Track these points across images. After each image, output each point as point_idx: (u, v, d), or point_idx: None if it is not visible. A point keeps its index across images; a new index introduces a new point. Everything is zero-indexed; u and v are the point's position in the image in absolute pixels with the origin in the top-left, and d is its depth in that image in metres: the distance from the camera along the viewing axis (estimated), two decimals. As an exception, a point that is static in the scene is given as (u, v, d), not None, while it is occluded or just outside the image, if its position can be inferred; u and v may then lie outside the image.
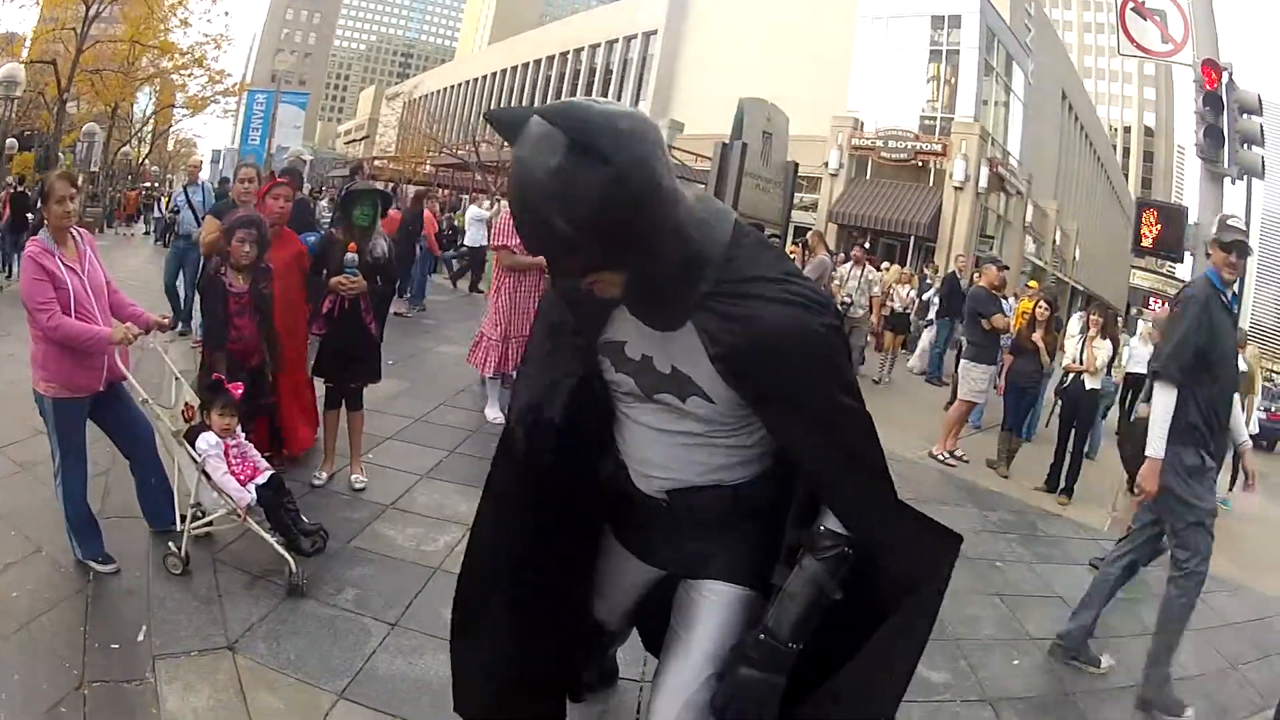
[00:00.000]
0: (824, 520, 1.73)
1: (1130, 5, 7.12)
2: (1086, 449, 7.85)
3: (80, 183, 3.53)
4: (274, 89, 24.94)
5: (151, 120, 30.18)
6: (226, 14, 25.62)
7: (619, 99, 41.38)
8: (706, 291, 1.55)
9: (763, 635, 1.69)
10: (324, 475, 4.52)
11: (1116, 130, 77.10)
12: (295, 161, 8.27)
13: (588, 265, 1.45)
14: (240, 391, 3.58)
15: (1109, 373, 8.21)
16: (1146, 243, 7.09)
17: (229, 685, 2.77)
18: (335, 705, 2.73)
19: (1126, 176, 53.59)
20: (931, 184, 26.74)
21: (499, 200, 17.03)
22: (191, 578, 3.40)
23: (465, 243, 14.30)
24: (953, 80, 27.66)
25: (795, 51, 30.47)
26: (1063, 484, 7.11)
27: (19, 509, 3.93)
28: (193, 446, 3.39)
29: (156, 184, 35.75)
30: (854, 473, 1.71)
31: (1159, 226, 6.91)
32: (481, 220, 13.03)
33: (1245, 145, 6.85)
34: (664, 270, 1.50)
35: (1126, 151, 74.17)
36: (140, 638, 3.04)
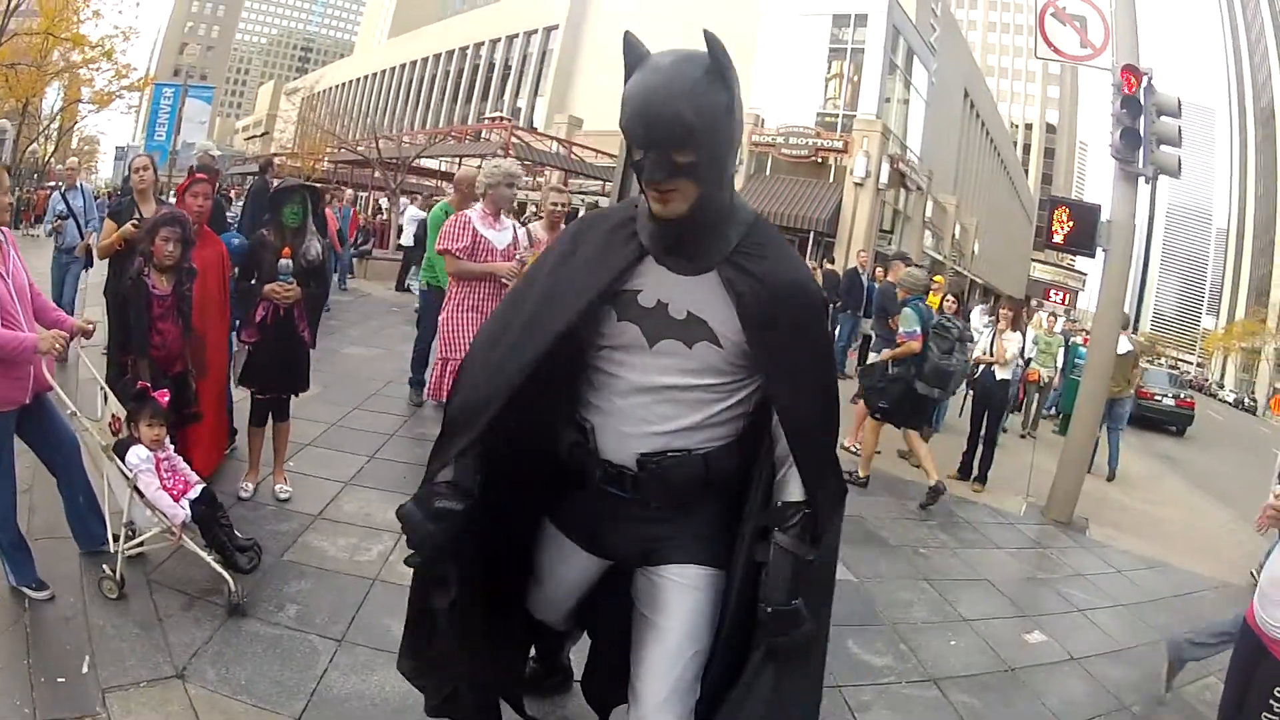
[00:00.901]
0: (781, 494, 1.86)
1: (1050, 10, 7.36)
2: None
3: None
4: (180, 83, 23.82)
5: (59, 117, 28.67)
6: (138, 4, 24.39)
7: (517, 94, 41.41)
8: (735, 248, 1.78)
9: (769, 609, 1.78)
10: (250, 487, 4.34)
11: (1018, 127, 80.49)
12: (205, 158, 7.70)
13: (689, 163, 1.63)
14: (167, 399, 3.39)
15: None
16: (1058, 238, 7.35)
17: (183, 716, 2.63)
18: (297, 726, 2.63)
19: (1027, 172, 56.04)
20: (832, 180, 27.32)
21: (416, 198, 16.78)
22: (128, 601, 3.20)
23: (401, 242, 14.92)
24: (856, 78, 28.34)
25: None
26: (976, 471, 7.39)
27: None
28: (123, 461, 3.19)
29: (61, 183, 33.91)
30: (826, 423, 1.92)
31: (1070, 223, 7.20)
32: (417, 220, 12.92)
33: (1160, 146, 7.12)
34: (719, 204, 1.74)
35: (1028, 148, 77.41)
36: (85, 669, 2.83)
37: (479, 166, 5.96)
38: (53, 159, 33.25)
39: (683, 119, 1.59)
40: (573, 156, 26.32)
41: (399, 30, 74.04)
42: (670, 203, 1.69)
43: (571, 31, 38.94)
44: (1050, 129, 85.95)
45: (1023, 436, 10.64)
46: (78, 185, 8.12)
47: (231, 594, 3.19)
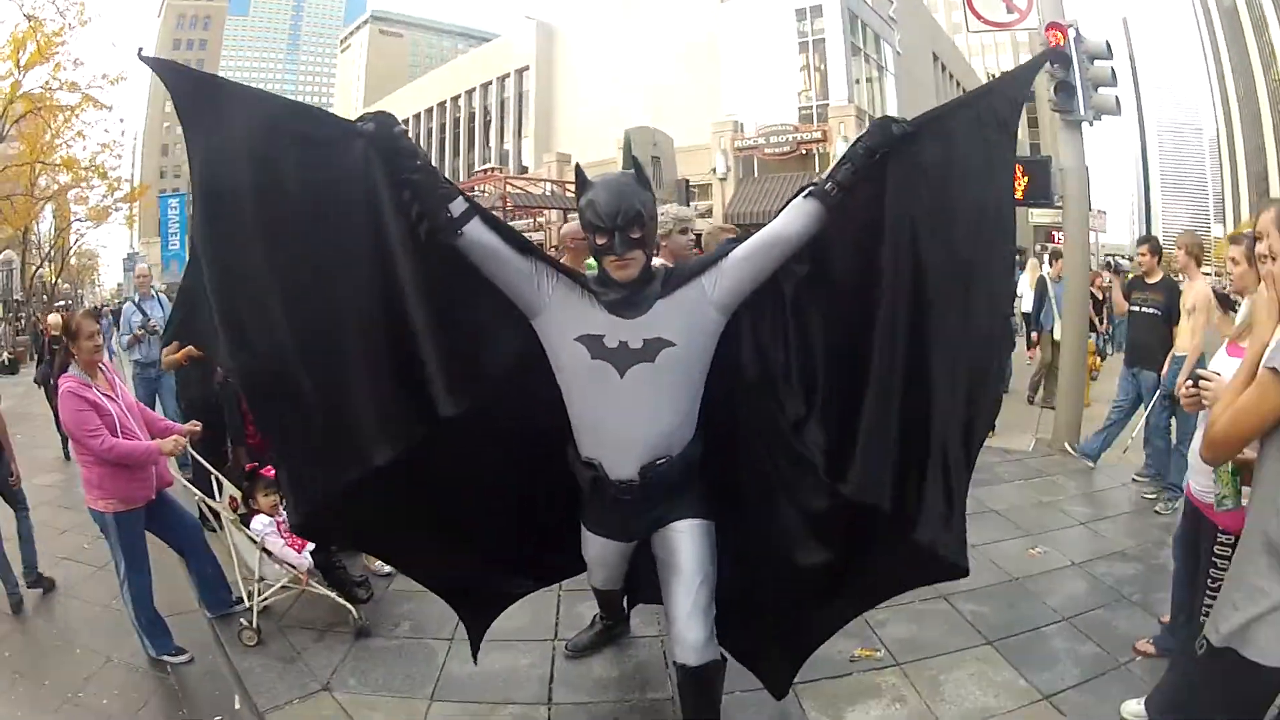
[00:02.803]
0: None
1: (974, -18, 7.81)
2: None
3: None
4: (184, 192, 24.87)
5: (59, 238, 29.70)
6: (122, 120, 25.43)
7: (502, 139, 42.08)
8: (659, 292, 2.52)
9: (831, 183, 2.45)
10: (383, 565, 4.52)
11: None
12: None
13: (640, 240, 2.45)
14: (274, 473, 4.11)
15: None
16: (1018, 195, 7.88)
17: (335, 716, 3.30)
18: (430, 708, 3.33)
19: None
20: (818, 170, 27.69)
21: None
22: (266, 645, 3.87)
23: None
24: (822, 67, 28.91)
25: (667, 64, 31.49)
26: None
27: (73, 629, 4.30)
28: (249, 528, 3.91)
29: (69, 301, 35.03)
30: None
31: (1026, 179, 7.78)
32: None
33: (1098, 89, 7.58)
34: (650, 266, 2.55)
35: None
36: (237, 705, 3.47)
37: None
38: (58, 280, 34.34)
39: (635, 208, 2.44)
40: (567, 193, 27.07)
41: (373, 97, 75.17)
42: (627, 269, 2.47)
43: (544, 70, 39.41)
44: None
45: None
46: (154, 295, 7.86)
47: (356, 620, 3.89)
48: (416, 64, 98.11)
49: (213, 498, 4.16)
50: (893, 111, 30.92)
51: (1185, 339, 5.65)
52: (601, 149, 29.46)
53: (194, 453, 4.08)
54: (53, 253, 30.16)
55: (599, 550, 2.95)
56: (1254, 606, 1.80)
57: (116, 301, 31.52)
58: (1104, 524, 5.49)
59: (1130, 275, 6.80)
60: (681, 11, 31.71)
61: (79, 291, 45.47)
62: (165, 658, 3.83)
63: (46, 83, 18.00)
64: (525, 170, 37.45)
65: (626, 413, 2.53)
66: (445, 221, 2.37)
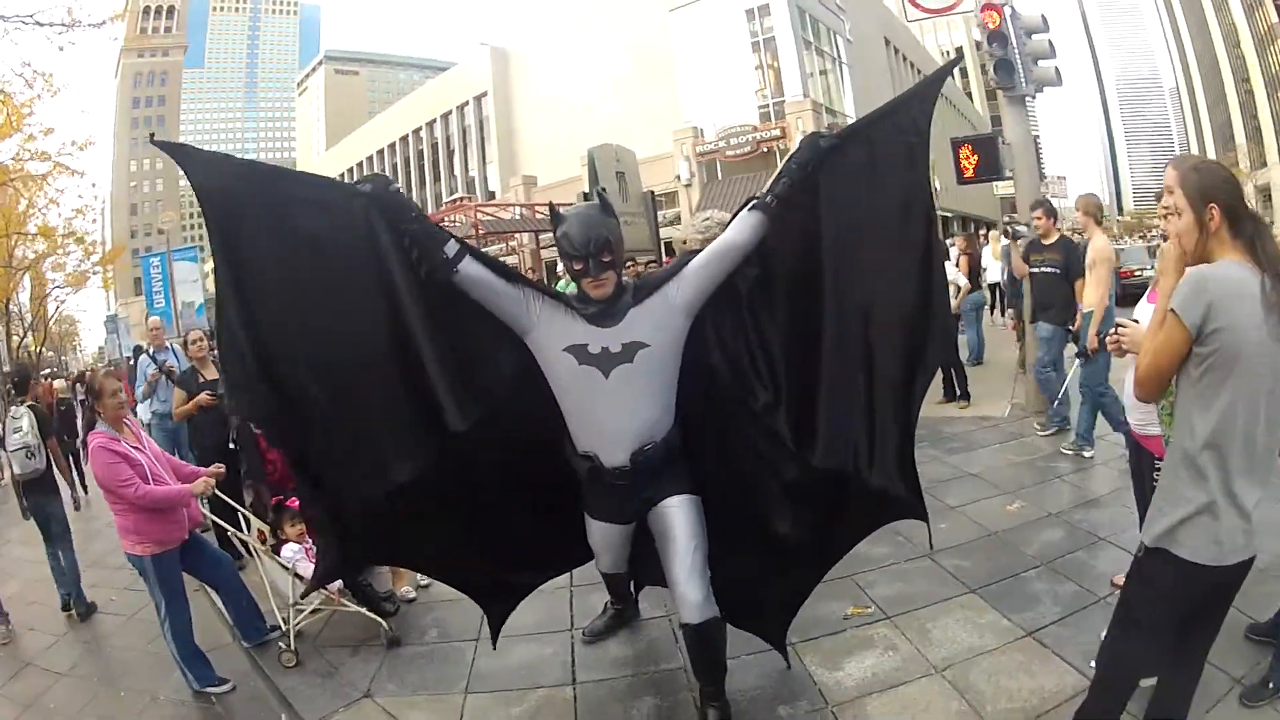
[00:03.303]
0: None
1: (910, -29, 8.07)
2: (971, 357, 9.21)
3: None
4: (164, 250, 25.08)
5: (40, 306, 29.78)
6: (95, 185, 25.60)
7: (466, 166, 42.32)
8: (630, 303, 2.92)
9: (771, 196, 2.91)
10: (410, 590, 4.79)
11: (949, 54, 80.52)
12: None
13: (611, 263, 2.86)
14: (298, 504, 4.39)
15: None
16: (969, 174, 8.20)
17: (380, 718, 3.58)
18: (465, 700, 3.63)
19: (971, 96, 56.61)
20: (780, 166, 28.37)
21: None
22: (305, 665, 4.11)
23: None
24: (776, 65, 29.51)
25: (623, 77, 31.96)
26: (959, 391, 8.28)
27: (114, 674, 4.51)
28: (280, 557, 4.20)
29: (54, 369, 35.08)
30: None
31: (975, 156, 8.10)
32: None
33: (1038, 62, 7.90)
34: (621, 283, 2.95)
35: (965, 71, 77.49)
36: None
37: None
38: (42, 348, 34.33)
39: (603, 235, 2.88)
40: (537, 215, 27.43)
41: (335, 136, 75.31)
42: (602, 288, 2.89)
43: (502, 94, 39.82)
44: (980, 46, 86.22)
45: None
46: (167, 345, 7.94)
47: (387, 632, 4.18)
48: (375, 99, 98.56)
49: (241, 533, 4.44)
50: (849, 100, 31.56)
51: (1090, 293, 6.01)
52: (566, 168, 29.83)
53: (220, 493, 4.34)
54: (34, 322, 30.22)
55: (602, 535, 3.34)
56: (1179, 511, 2.11)
57: (108, 363, 31.55)
58: (1078, 475, 5.82)
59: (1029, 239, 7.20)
60: (632, 24, 32.21)
61: (62, 358, 45.39)
62: (209, 689, 4.04)
63: (17, 154, 18.10)
64: (492, 195, 37.74)
65: (614, 408, 2.93)
66: (442, 262, 2.79)
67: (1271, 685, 2.91)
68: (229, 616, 4.50)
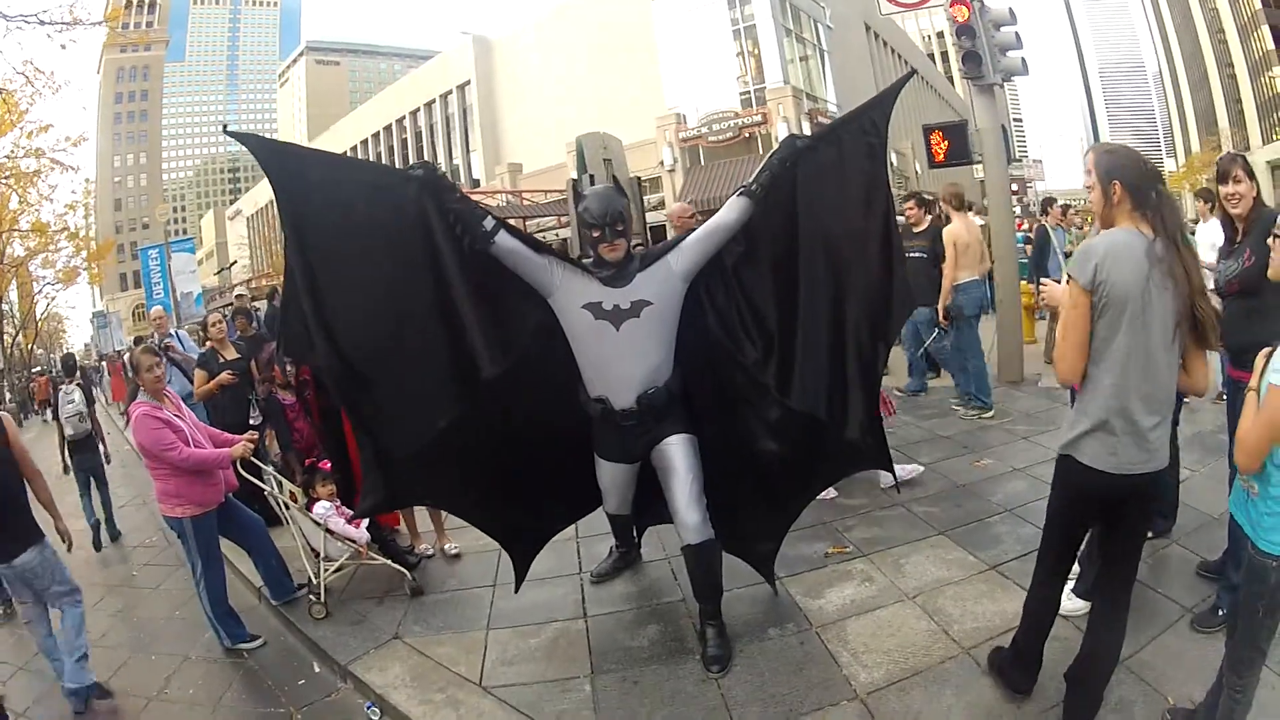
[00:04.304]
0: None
1: (882, -35, 8.46)
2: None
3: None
4: (162, 243, 25.19)
5: (30, 303, 29.79)
6: (88, 180, 25.58)
7: (450, 154, 42.28)
8: (640, 265, 3.44)
9: (756, 185, 3.45)
10: (428, 548, 5.17)
11: (929, 38, 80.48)
12: (241, 302, 9.12)
13: (623, 232, 3.39)
14: (329, 465, 4.76)
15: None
16: (940, 158, 8.57)
17: (409, 655, 3.94)
18: (488, 635, 4.02)
19: (952, 80, 56.82)
20: (762, 152, 28.57)
21: None
22: (334, 616, 4.43)
23: None
24: (757, 52, 29.78)
25: (605, 64, 32.22)
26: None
27: (144, 641, 4.76)
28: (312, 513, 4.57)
29: (44, 366, 35.08)
30: None
31: (946, 142, 8.50)
32: None
33: (1006, 53, 8.26)
34: (631, 250, 3.46)
35: (945, 55, 77.33)
36: (316, 669, 4.08)
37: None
38: (33, 346, 34.27)
39: (618, 209, 3.45)
40: (524, 203, 27.73)
41: (316, 127, 74.82)
42: (615, 251, 3.42)
43: (484, 83, 39.81)
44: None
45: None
46: (171, 332, 8.54)
47: (411, 582, 4.57)
48: (356, 89, 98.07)
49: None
50: (830, 86, 31.84)
51: (947, 273, 6.94)
52: (550, 155, 29.95)
53: (253, 460, 4.66)
54: (24, 320, 30.24)
55: (611, 475, 3.81)
56: (1082, 425, 2.57)
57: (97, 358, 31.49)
58: (1044, 436, 6.20)
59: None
60: (613, 11, 32.36)
61: (51, 356, 45.26)
62: (241, 645, 4.37)
63: (11, 151, 18.22)
64: (477, 183, 37.72)
65: (624, 356, 3.41)
66: (481, 235, 3.29)
67: (1221, 613, 3.28)
68: (260, 575, 4.79)
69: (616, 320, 3.38)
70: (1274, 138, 48.97)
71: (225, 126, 3.25)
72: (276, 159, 3.09)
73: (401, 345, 3.36)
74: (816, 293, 3.44)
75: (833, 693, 3.21)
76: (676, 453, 3.53)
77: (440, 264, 3.33)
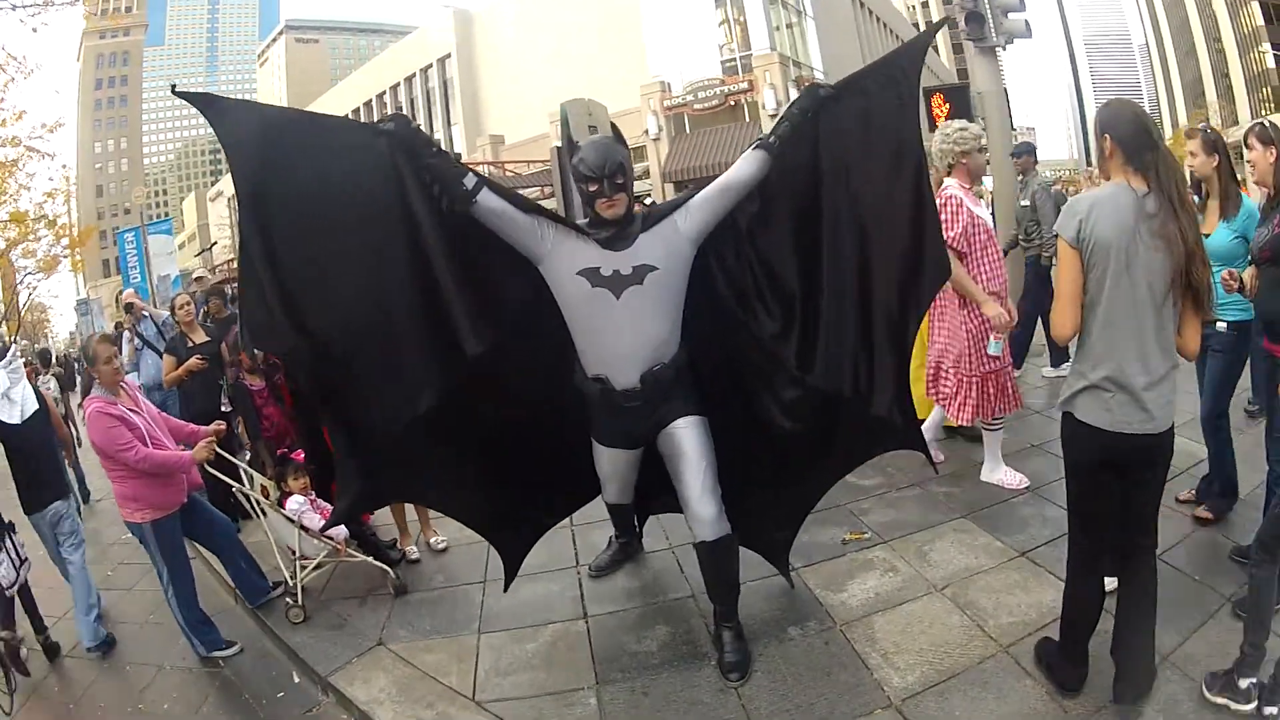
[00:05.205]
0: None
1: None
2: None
3: None
4: (138, 225, 24.48)
5: (13, 294, 29.21)
6: (65, 166, 24.94)
7: (431, 128, 41.63)
8: (642, 226, 3.04)
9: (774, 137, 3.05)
10: (414, 549, 4.70)
11: (915, 8, 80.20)
12: (202, 285, 8.68)
13: (624, 185, 2.98)
14: (302, 456, 4.40)
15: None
16: (940, 121, 8.35)
17: (395, 664, 3.60)
18: (480, 639, 3.68)
19: (938, 50, 56.54)
20: (748, 119, 28.31)
21: None
22: (312, 620, 4.09)
23: None
24: (742, 19, 29.20)
25: (588, 33, 31.60)
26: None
27: (118, 650, 4.37)
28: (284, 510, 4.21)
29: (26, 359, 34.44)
30: None
31: (948, 104, 8.25)
32: None
33: (1007, 14, 8.04)
34: (632, 208, 3.03)
35: (929, 24, 77.03)
36: (296, 679, 3.74)
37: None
38: (17, 337, 33.68)
39: (618, 160, 3.00)
40: (506, 174, 27.19)
41: (297, 105, 73.98)
42: (614, 207, 2.98)
43: (465, 56, 39.20)
44: (948, 2, 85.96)
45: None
46: (146, 316, 7.49)
47: (394, 581, 4.22)
48: (337, 66, 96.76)
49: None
50: (815, 53, 31.49)
51: None
52: (533, 126, 29.48)
53: (220, 450, 4.27)
54: (8, 311, 29.68)
55: (611, 462, 3.44)
56: (1078, 384, 2.58)
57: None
58: (1059, 411, 5.91)
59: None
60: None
61: (35, 346, 44.52)
62: (216, 653, 4.03)
63: (-12, 141, 17.65)
64: (459, 157, 37.05)
65: (625, 329, 3.01)
66: (462, 194, 2.88)
67: None
68: (229, 579, 4.47)
69: (616, 288, 2.98)
70: (1263, 111, 48.57)
71: (174, 87, 2.78)
72: (229, 117, 2.65)
73: (376, 324, 2.97)
74: (841, 256, 3.03)
75: (865, 700, 2.91)
76: (687, 437, 3.15)
77: (417, 230, 2.93)
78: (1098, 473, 2.61)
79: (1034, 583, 3.54)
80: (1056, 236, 2.56)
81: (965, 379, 4.51)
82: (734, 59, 29.38)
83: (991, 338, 4.37)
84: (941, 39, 77.42)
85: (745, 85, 28.14)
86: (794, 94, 27.00)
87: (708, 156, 27.39)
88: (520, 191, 3.10)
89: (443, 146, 3.12)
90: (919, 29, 65.99)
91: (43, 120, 26.19)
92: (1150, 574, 2.67)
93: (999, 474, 4.66)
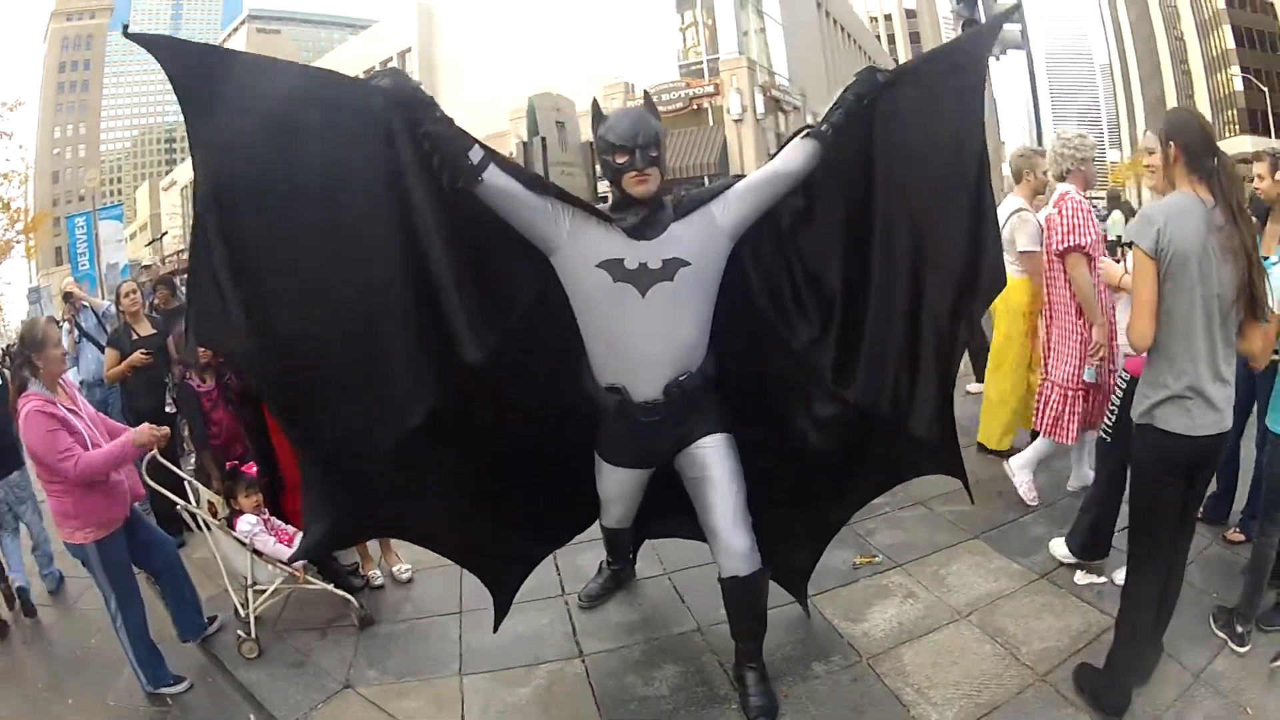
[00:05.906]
0: None
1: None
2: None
3: None
4: (89, 210, 23.15)
5: None
6: (22, 147, 23.68)
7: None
8: (671, 216, 2.66)
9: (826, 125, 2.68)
10: (377, 573, 4.30)
11: (878, 20, 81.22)
12: (151, 272, 8.06)
13: (657, 158, 2.61)
14: (255, 469, 3.96)
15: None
16: None
17: (366, 711, 3.15)
18: (462, 683, 3.27)
19: (897, 62, 57.24)
20: (712, 123, 28.11)
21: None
22: (269, 654, 3.64)
23: None
24: (710, 22, 29.00)
25: (551, 31, 31.08)
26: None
27: (58, 677, 3.94)
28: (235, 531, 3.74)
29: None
30: None
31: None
32: None
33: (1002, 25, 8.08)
34: (662, 187, 2.66)
35: (891, 38, 77.94)
36: None
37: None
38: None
39: (653, 129, 2.61)
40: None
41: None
42: (645, 183, 2.59)
43: (425, 51, 38.69)
44: (910, 14, 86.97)
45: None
46: (84, 306, 6.81)
47: (357, 610, 3.79)
48: (298, 59, 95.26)
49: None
50: (780, 58, 31.62)
51: None
52: (493, 123, 28.96)
53: (162, 459, 3.78)
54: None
55: (617, 484, 3.07)
56: (1156, 395, 2.55)
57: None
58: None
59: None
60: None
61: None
62: (163, 690, 3.56)
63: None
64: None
65: (650, 331, 2.64)
66: (467, 169, 2.44)
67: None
68: (169, 609, 3.92)
69: (642, 283, 2.59)
70: (1227, 134, 49.74)
71: (125, 27, 2.26)
72: (191, 64, 2.13)
73: (357, 324, 2.47)
74: (891, 258, 2.67)
75: (905, 742, 2.60)
76: (714, 459, 2.80)
77: (410, 210, 2.46)
78: (1176, 480, 2.61)
79: (1060, 606, 3.36)
80: (1130, 245, 2.52)
81: (1070, 393, 4.22)
82: (700, 62, 29.19)
83: (1088, 364, 4.14)
84: (903, 55, 78.49)
85: (711, 89, 27.90)
86: (759, 99, 26.97)
87: (671, 159, 27.05)
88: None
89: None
90: (880, 39, 66.83)
91: (2, 99, 24.91)
92: (1182, 570, 2.82)
93: (1024, 476, 4.48)
